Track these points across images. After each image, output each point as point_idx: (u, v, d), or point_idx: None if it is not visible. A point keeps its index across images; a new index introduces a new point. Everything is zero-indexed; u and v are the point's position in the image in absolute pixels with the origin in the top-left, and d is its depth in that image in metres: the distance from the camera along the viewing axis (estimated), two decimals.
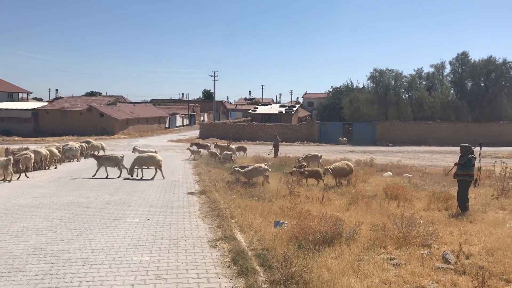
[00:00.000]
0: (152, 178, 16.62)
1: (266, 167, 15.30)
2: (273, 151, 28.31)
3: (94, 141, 27.97)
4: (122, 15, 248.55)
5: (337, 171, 15.44)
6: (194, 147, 27.44)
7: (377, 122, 48.12)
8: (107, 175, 16.89)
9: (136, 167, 17.12)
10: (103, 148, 25.99)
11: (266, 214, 9.78)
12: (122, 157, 17.70)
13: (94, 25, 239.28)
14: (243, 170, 15.18)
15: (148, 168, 17.64)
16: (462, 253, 6.79)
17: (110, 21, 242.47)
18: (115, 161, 17.28)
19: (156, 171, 17.12)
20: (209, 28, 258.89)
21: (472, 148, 11.18)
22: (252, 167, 15.43)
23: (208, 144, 29.11)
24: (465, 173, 10.88)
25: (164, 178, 16.69)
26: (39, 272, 6.21)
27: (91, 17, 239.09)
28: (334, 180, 15.69)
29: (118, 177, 16.78)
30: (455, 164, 11.30)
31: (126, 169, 17.12)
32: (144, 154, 18.15)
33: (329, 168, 15.46)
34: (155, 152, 20.59)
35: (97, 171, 17.08)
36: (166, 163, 23.14)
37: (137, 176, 16.85)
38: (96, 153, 20.78)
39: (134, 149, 23.67)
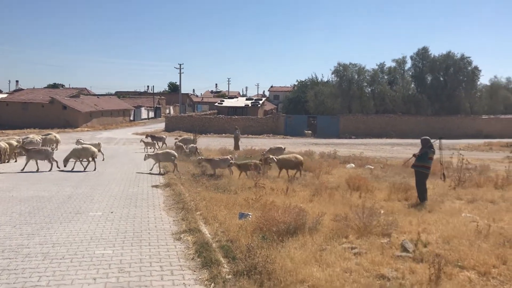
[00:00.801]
0: (84, 170, 16.74)
1: (231, 159, 15.39)
2: (234, 143, 28.48)
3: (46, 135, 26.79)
4: (86, 5, 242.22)
5: (282, 162, 15.49)
6: (149, 139, 27.22)
7: (340, 115, 48.97)
8: (38, 169, 16.47)
9: (71, 159, 17.10)
10: (57, 141, 25.37)
11: (231, 206, 9.81)
12: (53, 150, 17.83)
13: (57, 15, 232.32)
14: (208, 159, 15.41)
15: (86, 160, 17.40)
16: (420, 241, 7.02)
17: (73, 12, 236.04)
18: (45, 154, 16.99)
19: (89, 162, 17.21)
20: (175, 20, 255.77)
21: (431, 141, 11.49)
22: (218, 158, 15.53)
23: (164, 137, 28.87)
24: (421, 165, 11.25)
25: (95, 169, 16.81)
26: None
27: (53, 6, 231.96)
28: (279, 171, 15.65)
29: (49, 170, 16.45)
30: (413, 155, 11.67)
31: (57, 162, 16.88)
32: (79, 146, 18.27)
33: (274, 158, 15.57)
34: (99, 144, 20.71)
35: (26, 164, 16.71)
36: (131, 156, 22.89)
37: (72, 169, 16.78)
38: (49, 146, 20.60)
39: (78, 142, 23.11)
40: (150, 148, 24.89)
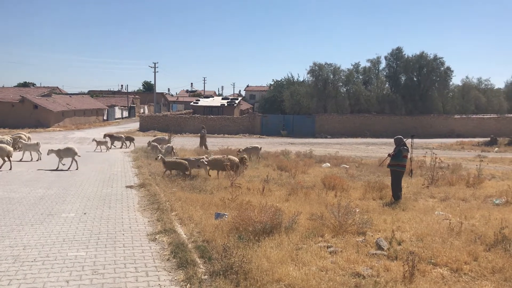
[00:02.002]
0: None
1: (206, 159, 15.28)
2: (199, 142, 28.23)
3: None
4: (58, 2, 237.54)
5: (212, 163, 15.22)
6: (107, 139, 27.12)
7: (316, 115, 49.32)
8: None
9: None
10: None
11: (207, 206, 9.76)
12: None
13: (27, 12, 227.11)
14: (184, 159, 15.35)
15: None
16: (394, 239, 7.13)
17: (44, 8, 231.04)
18: None
19: (4, 162, 16.73)
20: (149, 18, 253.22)
21: (404, 140, 11.67)
22: (194, 158, 15.45)
23: (122, 136, 28.44)
24: (396, 164, 11.40)
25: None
26: None
27: (24, 3, 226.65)
28: (207, 172, 15.24)
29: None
30: (388, 155, 11.83)
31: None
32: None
33: (205, 158, 15.54)
34: (37, 144, 20.23)
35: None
36: (104, 156, 22.55)
37: None
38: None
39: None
40: (102, 146, 25.25)
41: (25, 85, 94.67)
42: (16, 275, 5.75)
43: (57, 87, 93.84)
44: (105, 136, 28.08)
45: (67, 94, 78.14)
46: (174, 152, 21.82)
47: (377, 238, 7.17)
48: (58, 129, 47.55)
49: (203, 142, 27.73)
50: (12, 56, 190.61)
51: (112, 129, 49.87)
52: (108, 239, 7.49)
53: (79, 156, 17.51)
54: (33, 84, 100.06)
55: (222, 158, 15.08)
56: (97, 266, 6.13)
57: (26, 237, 7.55)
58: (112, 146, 27.35)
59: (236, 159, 15.43)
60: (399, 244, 7.04)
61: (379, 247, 6.83)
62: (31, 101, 49.53)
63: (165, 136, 28.42)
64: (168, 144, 23.35)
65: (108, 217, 9.09)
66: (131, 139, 28.37)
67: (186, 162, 15.13)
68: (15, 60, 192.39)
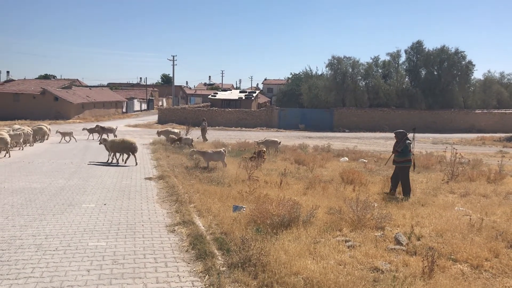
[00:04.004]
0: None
1: (224, 151, 15.39)
2: (201, 135, 28.32)
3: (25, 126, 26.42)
4: None
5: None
6: (71, 131, 27.31)
7: (334, 109, 49.00)
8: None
9: None
10: (45, 133, 25.29)
11: (225, 198, 9.81)
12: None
13: (48, 5, 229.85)
14: (202, 152, 15.50)
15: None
16: (413, 234, 7.08)
17: (65, 2, 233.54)
18: None
19: None
20: (168, 12, 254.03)
21: (407, 133, 11.40)
22: (211, 151, 15.57)
23: (114, 128, 28.07)
24: (404, 160, 11.16)
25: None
26: None
27: None
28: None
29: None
30: (393, 151, 11.52)
31: None
32: None
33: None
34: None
35: None
36: None
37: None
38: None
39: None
40: (66, 137, 25.73)
41: (46, 77, 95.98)
42: (39, 263, 5.87)
43: (77, 80, 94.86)
44: (96, 127, 28.07)
45: (87, 86, 78.91)
46: (193, 144, 22.03)
47: (396, 233, 7.12)
48: (78, 121, 48.18)
49: (203, 134, 27.82)
50: (34, 49, 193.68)
51: (131, 121, 50.41)
52: (128, 229, 7.59)
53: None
54: (54, 77, 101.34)
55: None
56: (117, 256, 6.22)
57: (48, 226, 7.70)
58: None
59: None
60: (418, 239, 6.99)
61: (398, 242, 6.79)
62: (52, 93, 50.27)
63: (173, 129, 28.60)
64: (188, 137, 23.62)
65: (127, 208, 9.20)
66: (112, 130, 27.49)
67: (133, 142, 16.48)
68: (36, 52, 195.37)
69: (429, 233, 7.29)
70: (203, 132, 28.08)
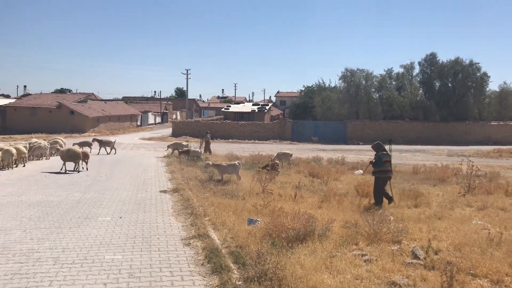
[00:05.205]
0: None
1: (238, 164, 15.45)
2: (203, 148, 28.22)
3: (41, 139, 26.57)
4: (93, 11, 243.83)
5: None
6: (96, 143, 27.31)
7: (348, 121, 48.82)
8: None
9: None
10: (62, 146, 25.48)
11: (239, 212, 9.81)
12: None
13: (64, 21, 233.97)
14: (216, 164, 15.57)
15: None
16: (431, 248, 6.98)
17: (80, 18, 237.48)
18: None
19: None
20: (182, 26, 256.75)
21: (383, 145, 11.94)
22: (226, 164, 15.63)
23: (112, 141, 28.03)
24: (378, 170, 11.63)
25: None
26: (8, 272, 6.07)
27: (61, 13, 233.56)
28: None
29: None
30: (370, 162, 12.02)
31: None
32: None
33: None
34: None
35: None
36: (138, 161, 22.96)
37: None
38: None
39: None
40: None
41: (62, 91, 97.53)
42: (56, 276, 5.92)
43: (93, 93, 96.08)
44: (93, 140, 27.94)
45: (102, 100, 79.99)
46: (202, 157, 22.35)
47: (413, 247, 7.05)
48: (93, 134, 48.63)
49: (207, 147, 27.89)
50: (50, 63, 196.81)
51: (146, 134, 50.82)
52: (144, 243, 7.62)
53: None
54: (70, 91, 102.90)
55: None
56: (133, 269, 6.24)
57: (64, 239, 7.77)
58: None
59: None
60: (436, 253, 6.90)
61: (415, 256, 6.71)
62: (67, 107, 50.97)
63: (184, 142, 28.73)
64: (196, 149, 23.91)
65: (143, 221, 9.25)
66: (110, 144, 27.45)
67: (79, 152, 18.25)
68: (52, 67, 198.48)
69: (446, 247, 7.20)
70: (207, 144, 28.16)
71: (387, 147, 12.00)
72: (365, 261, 6.54)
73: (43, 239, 7.75)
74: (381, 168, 11.59)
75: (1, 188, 13.45)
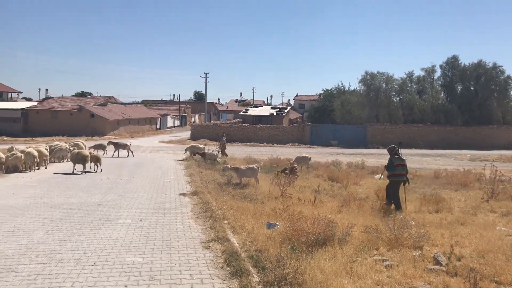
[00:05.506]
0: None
1: (257, 168, 15.45)
2: (220, 151, 28.25)
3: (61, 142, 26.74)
4: (113, 15, 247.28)
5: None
6: (111, 146, 27.47)
7: (368, 125, 48.39)
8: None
9: None
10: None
11: (258, 215, 9.79)
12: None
13: (85, 24, 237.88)
14: (235, 168, 15.62)
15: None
16: (453, 255, 6.85)
17: (101, 21, 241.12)
18: None
19: None
20: (200, 29, 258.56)
21: (395, 148, 11.89)
22: (244, 167, 15.65)
23: (127, 144, 28.16)
24: (390, 174, 11.60)
25: None
26: (31, 272, 6.17)
27: (82, 16, 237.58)
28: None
29: None
30: (384, 166, 12.03)
31: None
32: None
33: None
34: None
35: None
36: (158, 163, 23.14)
37: None
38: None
39: None
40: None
41: (82, 94, 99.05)
42: (78, 278, 6.00)
43: (113, 97, 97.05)
44: (108, 143, 28.15)
45: (122, 103, 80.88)
46: (218, 160, 22.48)
47: (435, 253, 6.93)
48: (113, 137, 49.15)
49: (223, 150, 27.91)
50: (71, 67, 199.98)
51: (165, 137, 51.20)
52: (164, 245, 7.67)
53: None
54: (90, 94, 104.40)
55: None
56: (153, 272, 6.28)
57: (86, 241, 7.86)
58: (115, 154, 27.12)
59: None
60: (459, 260, 6.76)
61: (437, 262, 6.59)
62: (88, 110, 51.71)
63: (201, 145, 28.82)
64: (212, 152, 24.19)
65: (163, 224, 9.31)
66: (126, 147, 27.60)
67: (87, 155, 18.91)
68: (73, 71, 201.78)
69: (469, 254, 7.05)
70: (223, 147, 28.20)
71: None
72: (386, 266, 6.45)
73: (65, 241, 7.85)
74: (394, 172, 11.56)
75: (23, 190, 13.70)
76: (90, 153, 19.94)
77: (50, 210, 10.64)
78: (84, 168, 18.66)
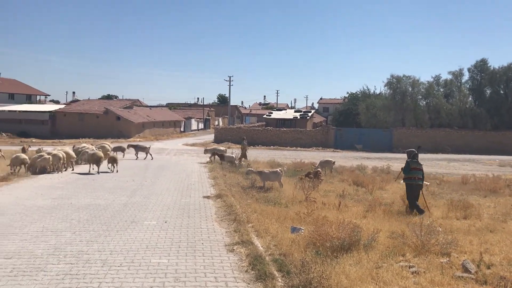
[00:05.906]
0: None
1: (280, 171, 15.42)
2: (240, 153, 28.23)
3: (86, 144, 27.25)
4: (139, 19, 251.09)
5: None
6: (131, 149, 27.76)
7: (393, 129, 47.76)
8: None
9: None
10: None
11: (282, 219, 9.77)
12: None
13: (112, 28, 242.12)
14: (259, 171, 15.61)
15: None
16: (482, 262, 6.70)
17: (127, 25, 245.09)
18: None
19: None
20: (224, 33, 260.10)
21: (413, 152, 11.96)
22: (268, 171, 15.64)
23: (147, 146, 28.40)
24: (407, 177, 11.65)
25: None
26: (60, 272, 6.29)
27: (109, 20, 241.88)
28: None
29: None
30: (401, 169, 12.14)
31: None
32: None
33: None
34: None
35: None
36: (182, 166, 23.33)
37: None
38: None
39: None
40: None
41: (108, 97, 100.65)
42: (105, 278, 6.08)
43: (138, 100, 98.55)
44: (128, 146, 28.56)
45: (147, 106, 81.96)
46: (236, 163, 22.71)
47: (463, 260, 6.78)
48: (138, 139, 49.86)
49: (243, 153, 27.88)
50: (98, 70, 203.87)
51: (189, 140, 51.61)
52: (188, 247, 7.71)
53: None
54: (116, 97, 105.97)
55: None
56: (178, 274, 6.32)
57: (112, 242, 7.97)
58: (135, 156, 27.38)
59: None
60: (488, 267, 6.60)
61: (466, 270, 6.45)
62: (114, 112, 52.52)
63: (222, 147, 28.92)
64: (230, 155, 24.57)
65: (187, 226, 9.37)
66: (145, 149, 27.90)
67: (102, 156, 19.46)
68: (100, 74, 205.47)
69: (500, 261, 6.88)
70: (243, 150, 28.22)
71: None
72: (412, 273, 6.35)
73: (91, 241, 7.98)
74: (409, 175, 11.58)
75: (51, 191, 13.98)
76: (108, 154, 20.55)
77: (77, 211, 10.83)
78: (98, 168, 19.24)
